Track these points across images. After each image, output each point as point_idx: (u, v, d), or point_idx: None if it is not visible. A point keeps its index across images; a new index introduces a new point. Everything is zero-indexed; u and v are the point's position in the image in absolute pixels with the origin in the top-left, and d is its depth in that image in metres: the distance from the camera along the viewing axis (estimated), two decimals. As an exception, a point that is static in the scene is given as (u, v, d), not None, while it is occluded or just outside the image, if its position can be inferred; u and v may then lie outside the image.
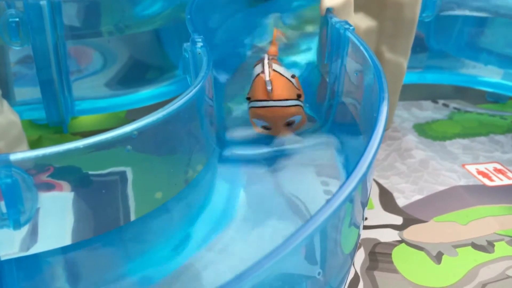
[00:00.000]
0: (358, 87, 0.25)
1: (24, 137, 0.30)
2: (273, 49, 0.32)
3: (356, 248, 0.22)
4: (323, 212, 0.15)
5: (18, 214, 0.17)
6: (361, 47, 0.24)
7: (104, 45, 0.37)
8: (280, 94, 0.26)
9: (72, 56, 0.36)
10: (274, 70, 0.27)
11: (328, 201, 0.16)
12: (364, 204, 0.20)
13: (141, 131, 0.18)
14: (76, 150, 0.17)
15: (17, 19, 0.29)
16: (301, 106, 0.27)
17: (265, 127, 0.27)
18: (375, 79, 0.21)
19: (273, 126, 0.27)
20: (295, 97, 0.27)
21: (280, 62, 0.30)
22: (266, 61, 0.27)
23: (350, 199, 0.17)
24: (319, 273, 0.17)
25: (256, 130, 0.27)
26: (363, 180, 0.17)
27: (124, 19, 0.34)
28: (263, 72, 0.26)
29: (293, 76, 0.28)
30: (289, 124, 0.27)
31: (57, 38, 0.31)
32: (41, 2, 0.29)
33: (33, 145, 0.34)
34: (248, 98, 0.27)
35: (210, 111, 0.24)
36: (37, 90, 0.33)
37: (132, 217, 0.20)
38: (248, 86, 0.28)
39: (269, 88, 0.25)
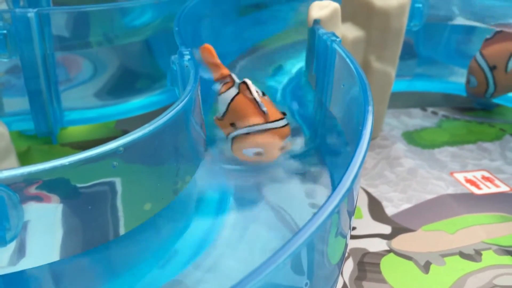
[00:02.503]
0: (345, 98, 0.26)
1: (13, 148, 0.30)
2: (224, 69, 0.29)
3: (343, 258, 0.22)
4: (309, 226, 0.15)
5: (3, 231, 0.17)
6: (347, 60, 0.24)
7: (94, 54, 0.37)
8: (274, 115, 0.25)
9: (61, 65, 0.36)
10: (256, 90, 0.26)
11: (314, 214, 0.16)
12: (350, 214, 0.20)
13: (127, 146, 0.18)
14: (62, 167, 0.17)
15: (5, 31, 0.29)
16: (289, 124, 0.26)
17: (259, 154, 0.25)
18: (361, 92, 0.21)
19: (268, 151, 0.25)
20: (282, 116, 0.26)
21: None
22: (249, 81, 0.26)
23: (336, 210, 0.17)
24: (306, 284, 0.18)
25: (244, 159, 0.26)
26: (349, 193, 0.17)
27: (113, 29, 0.34)
28: (239, 94, 0.26)
29: (264, 94, 0.27)
30: (283, 148, 0.26)
31: (45, 49, 0.31)
32: (29, 14, 0.29)
33: (22, 156, 0.34)
34: (232, 124, 0.26)
35: (199, 123, 0.24)
36: (26, 101, 0.33)
37: (122, 231, 0.20)
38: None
39: (265, 109, 0.25)
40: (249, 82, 0.26)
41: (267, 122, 0.25)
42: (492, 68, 0.38)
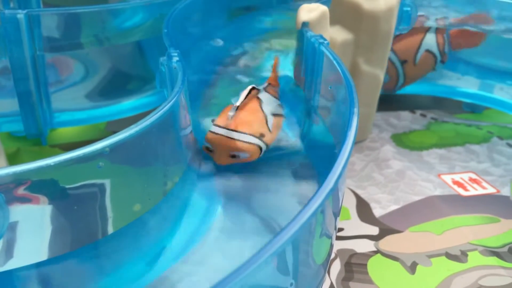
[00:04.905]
0: (332, 100, 0.26)
1: (2, 149, 0.30)
2: (272, 78, 0.30)
3: (329, 258, 0.22)
4: (292, 225, 0.16)
5: (-12, 231, 0.17)
6: (335, 62, 0.24)
7: (85, 55, 0.37)
8: (238, 126, 0.25)
9: (52, 66, 0.36)
10: (258, 97, 0.26)
11: (298, 213, 0.16)
12: (336, 214, 0.21)
13: (113, 147, 0.18)
14: (47, 168, 0.17)
15: (-6, 33, 0.29)
16: (257, 146, 0.25)
17: (208, 149, 0.26)
18: (347, 94, 0.22)
19: (216, 153, 0.25)
20: (257, 134, 0.25)
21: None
22: (249, 87, 0.26)
23: (321, 210, 0.17)
24: (291, 284, 0.18)
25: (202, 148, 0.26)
26: (333, 192, 0.17)
27: (104, 31, 0.34)
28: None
29: (275, 115, 0.27)
30: (233, 157, 0.25)
31: (35, 51, 0.31)
32: (18, 15, 0.29)
33: (12, 157, 0.34)
34: (213, 120, 0.26)
35: (186, 124, 0.24)
36: (15, 102, 0.33)
37: (110, 230, 0.20)
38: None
39: (230, 114, 0.25)
40: (246, 90, 0.26)
41: (224, 127, 0.25)
42: (403, 63, 0.39)
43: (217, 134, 0.25)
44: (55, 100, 0.35)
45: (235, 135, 0.25)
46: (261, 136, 0.25)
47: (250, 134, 0.25)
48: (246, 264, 0.14)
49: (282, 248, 0.15)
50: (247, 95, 0.26)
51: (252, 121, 0.25)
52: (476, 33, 0.39)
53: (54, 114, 0.35)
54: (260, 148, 0.25)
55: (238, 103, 0.25)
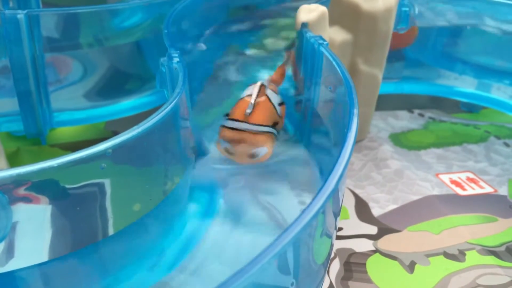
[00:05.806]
0: (332, 101, 0.26)
1: (2, 149, 0.31)
2: (276, 75, 0.32)
3: (329, 258, 0.22)
4: (294, 227, 0.16)
5: (-8, 232, 0.17)
6: (334, 63, 0.24)
7: (84, 55, 0.37)
8: (256, 119, 0.27)
9: (51, 66, 0.36)
10: (266, 95, 0.28)
11: (299, 215, 0.16)
12: (336, 214, 0.21)
13: (116, 148, 0.19)
14: (50, 169, 0.17)
15: (-6, 33, 0.29)
16: (272, 134, 0.27)
17: (227, 150, 0.27)
18: (347, 95, 0.22)
19: (236, 152, 0.26)
20: (271, 124, 0.27)
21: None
22: (258, 83, 0.28)
23: (322, 211, 0.17)
24: (292, 284, 0.18)
25: (218, 149, 0.27)
26: (334, 193, 0.18)
27: (103, 31, 0.34)
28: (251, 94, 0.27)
29: (281, 104, 0.29)
30: (252, 156, 0.26)
31: (35, 50, 0.31)
32: (18, 16, 0.29)
33: (11, 157, 0.34)
34: (226, 115, 0.28)
35: (186, 124, 0.25)
36: (15, 102, 0.33)
37: (111, 231, 0.20)
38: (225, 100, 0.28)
39: (248, 111, 0.26)
40: (256, 86, 0.28)
41: (243, 122, 0.26)
42: None
43: (235, 129, 0.26)
44: (54, 99, 0.35)
45: (256, 128, 0.26)
46: (274, 125, 0.28)
47: (266, 125, 0.27)
48: (249, 265, 0.14)
49: (284, 249, 0.15)
50: (258, 91, 0.28)
51: (266, 112, 0.27)
52: (409, 31, 0.39)
53: (54, 113, 0.35)
54: (275, 137, 0.28)
55: (252, 101, 0.27)
